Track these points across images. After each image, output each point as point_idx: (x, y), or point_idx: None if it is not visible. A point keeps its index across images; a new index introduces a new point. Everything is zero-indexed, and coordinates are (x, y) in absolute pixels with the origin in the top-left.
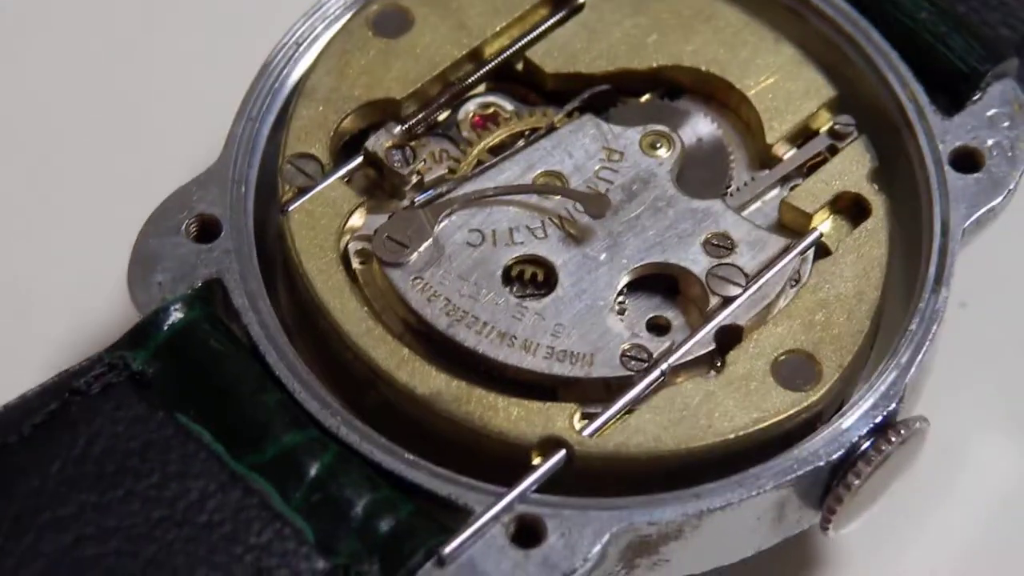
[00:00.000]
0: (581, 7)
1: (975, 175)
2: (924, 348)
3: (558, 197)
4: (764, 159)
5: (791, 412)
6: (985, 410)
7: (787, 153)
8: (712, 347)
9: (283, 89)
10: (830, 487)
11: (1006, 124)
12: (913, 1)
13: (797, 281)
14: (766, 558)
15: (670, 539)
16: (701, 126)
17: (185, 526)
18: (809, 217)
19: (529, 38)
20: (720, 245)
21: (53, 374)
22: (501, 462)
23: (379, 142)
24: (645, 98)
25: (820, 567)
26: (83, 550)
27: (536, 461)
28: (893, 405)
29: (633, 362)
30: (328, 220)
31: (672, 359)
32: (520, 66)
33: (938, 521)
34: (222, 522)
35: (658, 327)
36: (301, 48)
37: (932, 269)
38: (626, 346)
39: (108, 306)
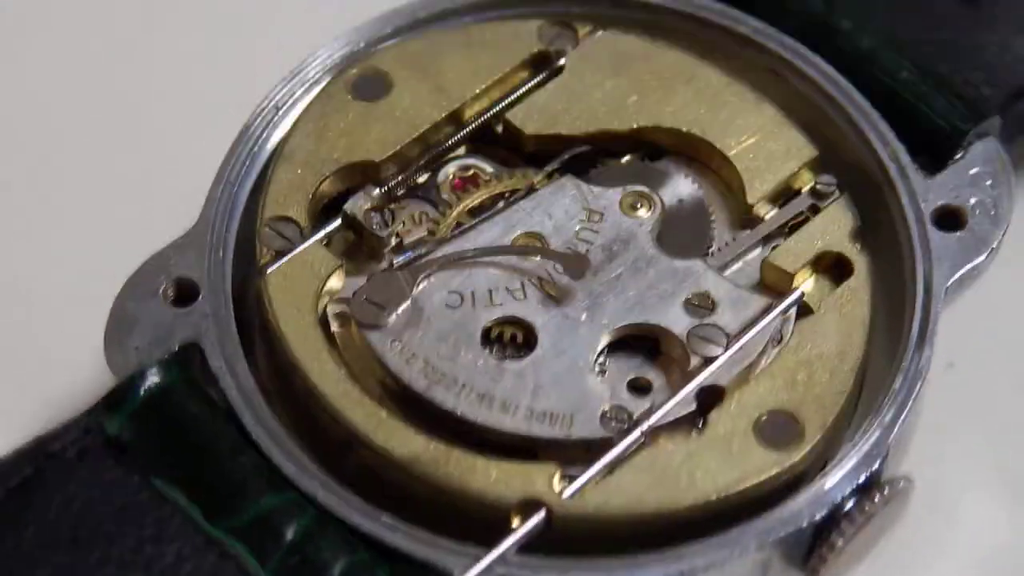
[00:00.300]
0: (560, 69)
1: (958, 234)
2: (908, 407)
3: (538, 258)
4: (745, 219)
5: (773, 472)
6: (973, 469)
7: (769, 213)
8: (693, 407)
9: (262, 153)
10: (814, 548)
11: (988, 183)
12: (894, 61)
13: (779, 341)
14: None
15: None
16: (682, 187)
17: None
18: (791, 277)
19: (509, 100)
20: (701, 305)
21: (30, 433)
22: (480, 524)
23: (358, 204)
24: (626, 159)
25: None
26: None
27: (515, 523)
28: (876, 464)
29: (614, 423)
30: (306, 282)
31: (653, 420)
32: (500, 128)
33: None
34: None
35: (639, 388)
36: (280, 112)
37: (915, 328)
38: (606, 407)
39: (88, 366)
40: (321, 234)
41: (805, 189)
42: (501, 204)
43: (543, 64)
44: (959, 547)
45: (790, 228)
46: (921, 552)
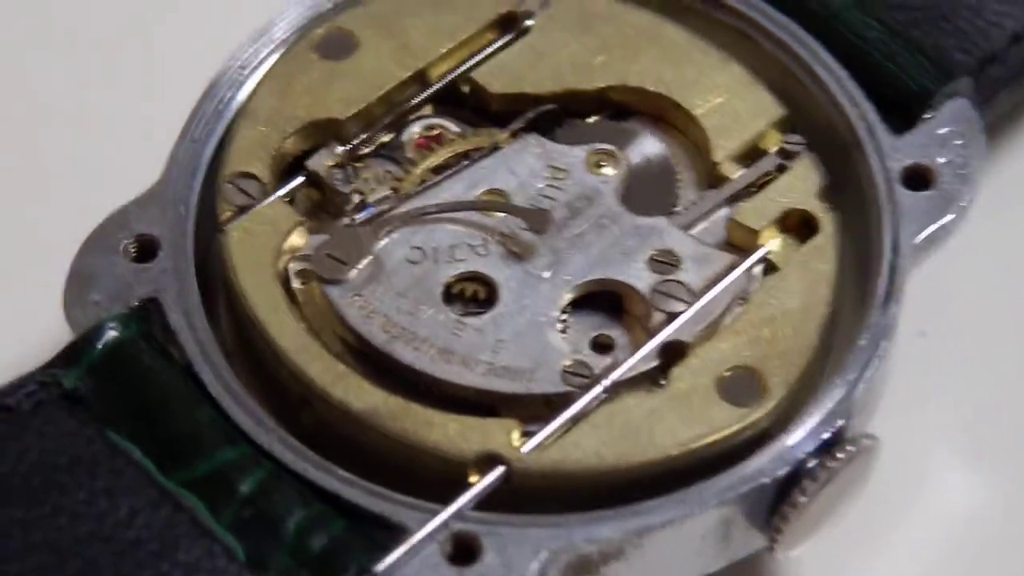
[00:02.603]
0: (527, 30)
1: (926, 192)
2: (873, 364)
3: (501, 215)
4: (712, 179)
5: (736, 428)
6: (943, 436)
7: (736, 173)
8: (656, 363)
9: (227, 112)
10: (776, 506)
11: (959, 142)
12: (862, 21)
13: (744, 299)
14: None
15: (611, 558)
16: (648, 146)
17: (112, 542)
18: (756, 234)
19: (475, 60)
20: (665, 262)
21: None
22: (438, 479)
23: (321, 161)
24: (592, 119)
25: None
26: (5, 566)
27: (473, 478)
28: (840, 422)
29: (575, 378)
30: (266, 238)
31: (614, 375)
32: (466, 88)
33: (893, 545)
34: (150, 539)
35: (601, 345)
36: (247, 72)
37: (883, 285)
38: (568, 362)
39: (46, 326)
40: (283, 190)
41: (773, 149)
42: (465, 162)
43: (511, 25)
44: (926, 514)
45: (757, 188)
46: (888, 518)
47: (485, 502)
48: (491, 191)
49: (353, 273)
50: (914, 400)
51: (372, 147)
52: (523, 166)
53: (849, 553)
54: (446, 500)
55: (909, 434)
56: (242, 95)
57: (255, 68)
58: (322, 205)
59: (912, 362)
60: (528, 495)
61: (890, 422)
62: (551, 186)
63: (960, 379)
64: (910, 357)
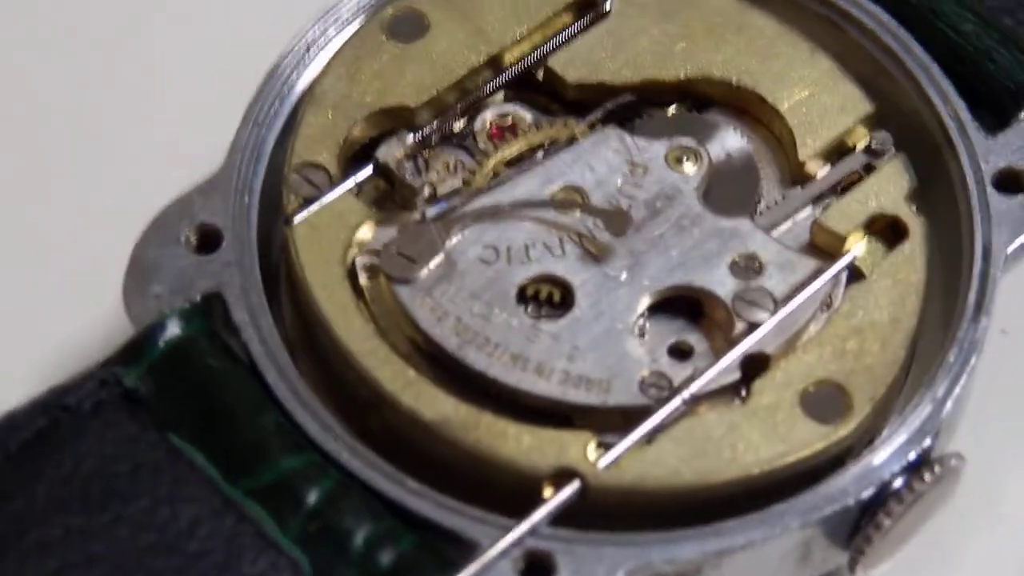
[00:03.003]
0: (606, 14)
1: (1020, 197)
2: (962, 381)
3: (577, 213)
4: (796, 176)
5: (819, 446)
6: (1022, 442)
7: (820, 170)
8: (737, 376)
9: (292, 94)
10: (859, 526)
11: None
12: (957, 13)
13: (828, 306)
14: None
15: None
16: (730, 140)
17: (174, 554)
18: (842, 239)
19: (551, 45)
20: (748, 267)
21: (44, 387)
22: (510, 493)
23: (390, 152)
24: (672, 110)
25: None
26: None
27: (548, 492)
28: (928, 441)
29: (652, 390)
30: (334, 233)
31: (694, 388)
32: (541, 75)
33: (973, 560)
34: (213, 550)
35: (680, 352)
36: (312, 52)
37: (972, 296)
38: (645, 372)
39: (104, 317)
40: (351, 182)
41: (859, 146)
42: (540, 155)
43: (588, 7)
44: (1007, 526)
45: (843, 187)
46: (967, 531)
47: (559, 517)
48: (568, 187)
49: (424, 272)
50: (993, 401)
51: (442, 135)
52: (601, 161)
53: (927, 568)
54: (518, 513)
55: (987, 438)
56: (307, 77)
57: (321, 48)
58: (390, 195)
59: (992, 361)
60: (603, 510)
61: (968, 425)
62: (630, 183)
63: None
64: (990, 356)
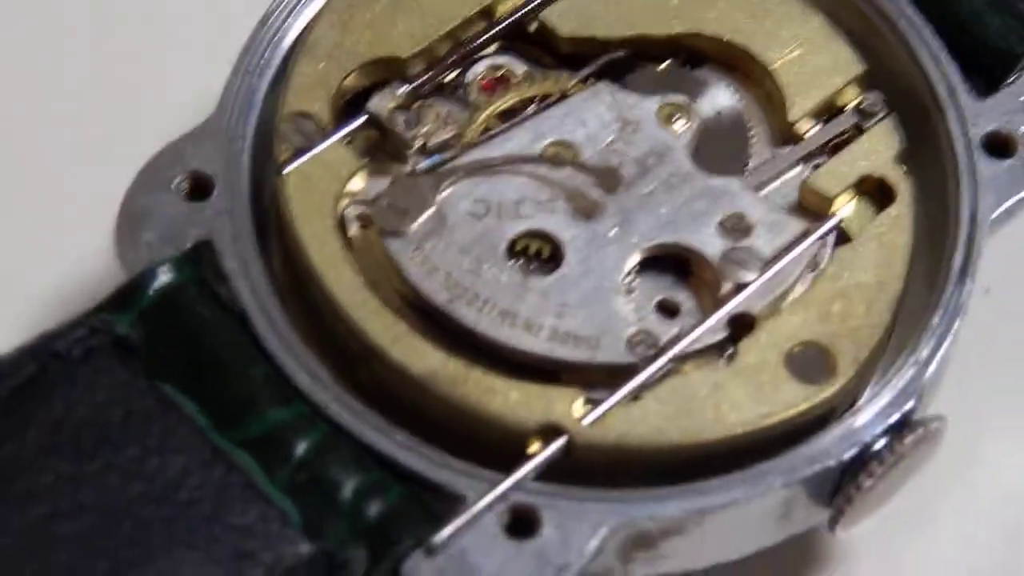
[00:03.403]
0: None
1: (1007, 161)
2: (945, 344)
3: (568, 169)
4: (786, 135)
5: (803, 407)
6: (1004, 402)
7: (811, 130)
8: (723, 335)
9: (283, 42)
10: (840, 486)
11: None
12: None
13: (815, 267)
14: (768, 555)
15: (670, 535)
16: (721, 98)
17: (164, 503)
18: (831, 200)
19: None
20: (736, 227)
21: (33, 333)
22: (497, 447)
23: (382, 103)
24: (664, 65)
25: (825, 565)
26: (57, 525)
27: (534, 448)
28: (910, 403)
29: (640, 348)
30: (326, 184)
31: (680, 346)
32: (533, 27)
33: (952, 516)
34: (202, 500)
35: (667, 309)
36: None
37: (958, 260)
38: (633, 331)
39: (92, 262)
40: (343, 132)
41: (850, 106)
42: (532, 109)
43: None
44: (985, 485)
45: (833, 147)
46: (946, 490)
47: (544, 472)
48: (559, 142)
49: (414, 225)
50: (975, 360)
51: (435, 86)
52: (593, 117)
53: (905, 526)
54: (504, 467)
55: (967, 398)
56: (299, 25)
57: None
58: (382, 146)
59: (975, 320)
60: (588, 467)
61: (946, 384)
62: (621, 140)
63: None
64: (973, 314)
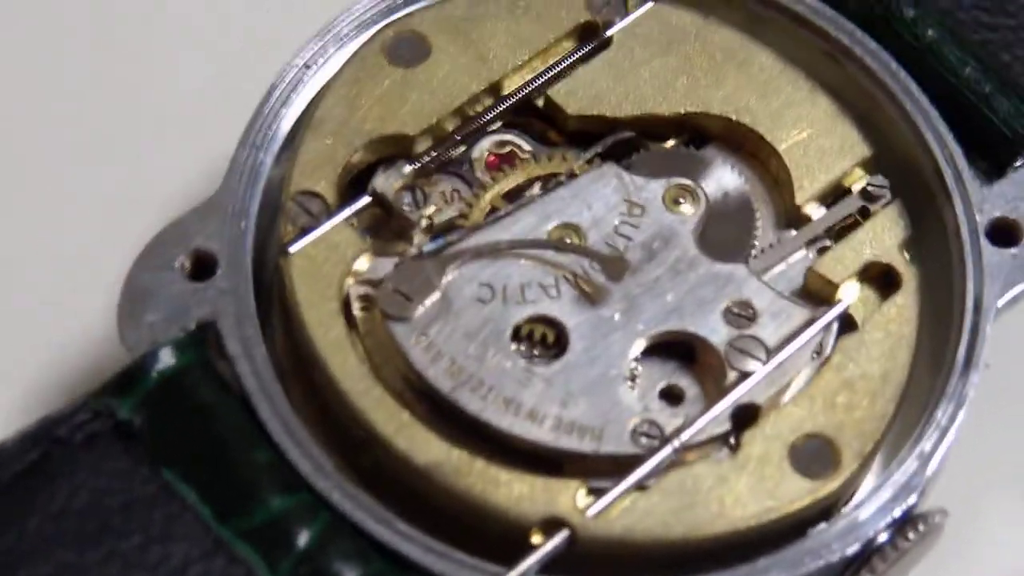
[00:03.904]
0: (608, 42)
1: (1012, 250)
2: (949, 437)
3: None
4: (791, 217)
5: (807, 501)
6: (1001, 481)
7: (816, 212)
8: (727, 426)
9: (289, 114)
10: None
11: None
12: (957, 56)
13: (819, 353)
14: None
15: None
16: (727, 179)
17: None
18: (836, 287)
19: (552, 74)
20: (741, 315)
21: (32, 414)
22: (500, 538)
23: (388, 183)
24: (670, 144)
25: None
26: None
27: (537, 540)
28: (913, 498)
29: (644, 439)
30: (331, 267)
31: (684, 437)
32: (541, 102)
33: None
34: None
35: (671, 396)
36: (311, 71)
37: (962, 351)
38: (637, 421)
39: (92, 342)
40: (348, 212)
41: (856, 189)
42: (537, 189)
43: (590, 35)
44: (983, 563)
45: (838, 231)
46: (944, 569)
47: (547, 565)
48: (565, 225)
49: (419, 310)
50: (974, 437)
51: (441, 163)
52: (599, 199)
53: None
54: (506, 558)
55: (966, 474)
56: (305, 96)
57: (320, 67)
58: (386, 223)
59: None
60: (592, 559)
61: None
62: (627, 223)
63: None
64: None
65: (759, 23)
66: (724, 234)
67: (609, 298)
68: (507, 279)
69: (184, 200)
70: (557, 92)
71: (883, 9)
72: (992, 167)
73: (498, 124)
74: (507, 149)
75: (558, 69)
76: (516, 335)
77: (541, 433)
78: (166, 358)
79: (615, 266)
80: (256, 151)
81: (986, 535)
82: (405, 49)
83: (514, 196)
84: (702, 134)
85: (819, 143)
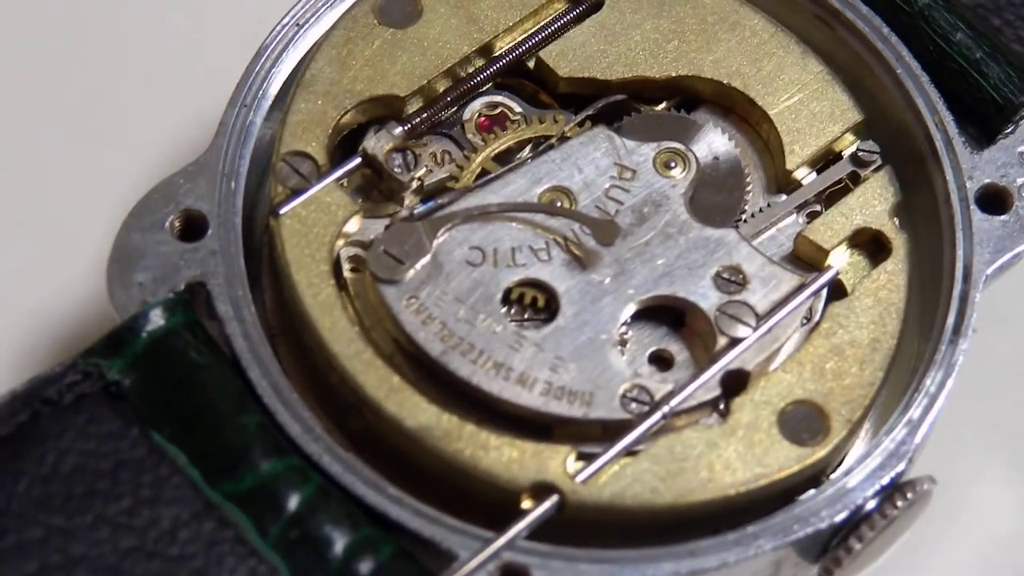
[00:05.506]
0: (600, 4)
1: (1002, 217)
2: (937, 405)
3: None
4: (782, 182)
5: (796, 468)
6: (988, 446)
7: (806, 177)
8: (717, 392)
9: (279, 73)
10: (829, 547)
11: None
12: (948, 21)
13: (808, 319)
14: None
15: None
16: (718, 143)
17: (155, 558)
18: (826, 252)
19: (544, 36)
20: (731, 280)
21: (21, 375)
22: (490, 503)
23: (379, 144)
24: (661, 107)
25: None
26: None
27: (527, 505)
28: (902, 466)
29: (633, 404)
30: (321, 228)
31: (674, 403)
32: (532, 64)
33: (937, 566)
34: (194, 555)
35: (661, 360)
36: (301, 29)
37: (951, 318)
38: (627, 386)
39: (82, 302)
40: (339, 173)
41: (846, 154)
42: (528, 152)
43: None
44: (970, 531)
45: (828, 196)
46: (931, 537)
47: (536, 530)
48: (556, 188)
49: (410, 273)
50: (959, 402)
51: (431, 124)
52: (590, 162)
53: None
54: (496, 522)
55: (953, 443)
56: (295, 55)
57: (311, 26)
58: (377, 185)
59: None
60: (581, 525)
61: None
62: (618, 187)
63: (1008, 381)
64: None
65: None
66: (715, 197)
67: (600, 262)
68: (498, 242)
69: (172, 161)
70: (548, 54)
71: None
72: (982, 133)
73: (489, 86)
74: (498, 111)
75: (549, 31)
76: (506, 299)
77: (531, 398)
78: (156, 319)
79: (606, 230)
80: (246, 110)
81: (974, 502)
82: (396, 9)
83: (505, 158)
84: (693, 97)
85: (810, 107)
